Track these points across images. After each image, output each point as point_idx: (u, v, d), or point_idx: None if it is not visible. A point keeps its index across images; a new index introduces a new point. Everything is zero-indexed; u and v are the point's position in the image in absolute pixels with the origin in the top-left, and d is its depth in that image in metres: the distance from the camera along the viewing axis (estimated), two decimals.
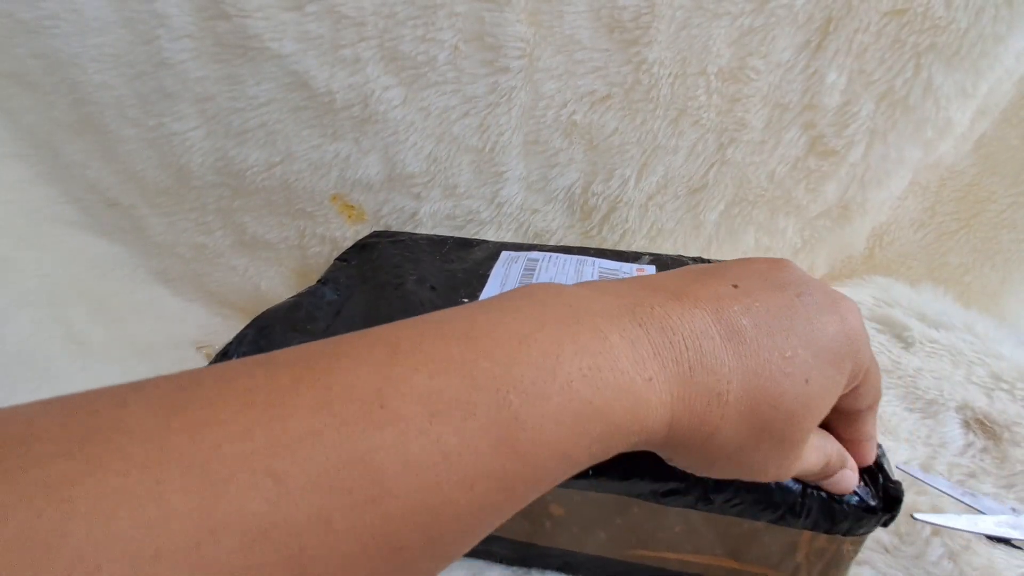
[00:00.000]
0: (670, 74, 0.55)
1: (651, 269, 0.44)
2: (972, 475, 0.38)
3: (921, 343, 0.51)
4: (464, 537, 0.16)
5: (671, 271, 0.23)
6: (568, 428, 0.17)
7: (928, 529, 0.34)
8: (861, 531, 0.27)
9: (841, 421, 0.25)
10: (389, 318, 0.34)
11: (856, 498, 0.26)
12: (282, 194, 0.57)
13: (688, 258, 0.50)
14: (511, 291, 0.20)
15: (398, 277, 0.43)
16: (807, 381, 0.20)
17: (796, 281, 0.22)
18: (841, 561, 0.29)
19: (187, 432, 0.13)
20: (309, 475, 0.14)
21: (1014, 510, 0.29)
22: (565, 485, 0.27)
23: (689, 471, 0.23)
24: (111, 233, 0.57)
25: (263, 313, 0.39)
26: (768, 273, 0.22)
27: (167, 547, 0.12)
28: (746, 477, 0.22)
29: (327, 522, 0.13)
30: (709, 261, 0.47)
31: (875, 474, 0.27)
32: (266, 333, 0.36)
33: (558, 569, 0.33)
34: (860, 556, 0.32)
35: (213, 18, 0.51)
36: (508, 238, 0.61)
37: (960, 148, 0.61)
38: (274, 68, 0.53)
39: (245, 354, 0.33)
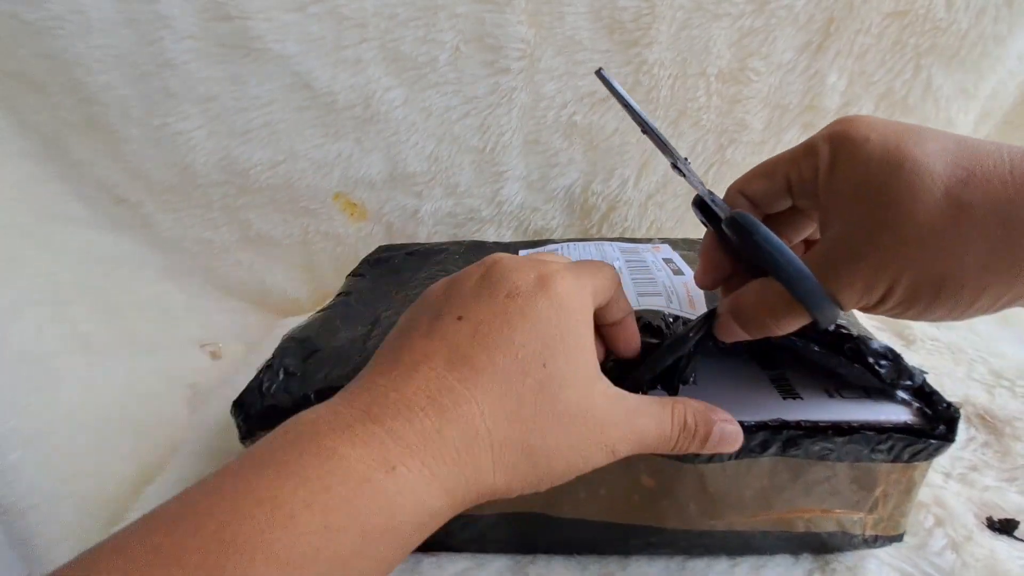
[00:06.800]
0: (670, 75, 0.55)
1: (666, 247, 0.44)
2: (974, 468, 0.37)
3: (922, 341, 0.51)
4: None
5: (401, 323, 0.25)
6: (303, 561, 0.17)
7: (931, 520, 0.33)
8: (933, 455, 0.28)
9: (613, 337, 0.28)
10: None
11: (941, 427, 0.28)
12: (286, 192, 0.58)
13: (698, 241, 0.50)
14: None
15: (429, 279, 0.42)
16: (544, 365, 0.22)
17: (502, 279, 0.23)
18: (912, 487, 0.30)
19: None
20: None
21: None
22: (661, 455, 0.28)
23: (533, 489, 0.23)
24: (118, 229, 0.57)
25: (294, 330, 0.38)
26: (478, 288, 0.24)
27: None
28: (583, 460, 0.23)
29: None
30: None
31: (931, 401, 0.28)
32: (307, 345, 0.35)
33: (643, 549, 0.32)
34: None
35: (216, 19, 0.51)
36: (508, 236, 0.62)
37: None
38: (277, 69, 0.53)
39: (288, 368, 0.33)
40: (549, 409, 0.22)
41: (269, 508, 0.17)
